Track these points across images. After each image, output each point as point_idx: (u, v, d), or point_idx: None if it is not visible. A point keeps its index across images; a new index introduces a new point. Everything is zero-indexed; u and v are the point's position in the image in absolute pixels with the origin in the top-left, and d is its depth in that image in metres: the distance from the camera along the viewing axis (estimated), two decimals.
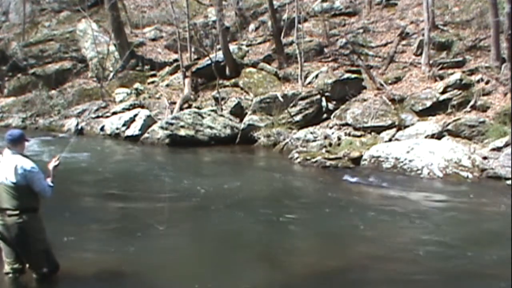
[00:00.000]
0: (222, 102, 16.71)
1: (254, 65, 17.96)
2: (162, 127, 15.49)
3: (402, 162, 11.67)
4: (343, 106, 15.40)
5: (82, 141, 16.14)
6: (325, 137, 14.20)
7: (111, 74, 19.96)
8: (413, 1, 18.61)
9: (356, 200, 9.56)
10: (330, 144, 13.63)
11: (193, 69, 18.64)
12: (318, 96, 15.86)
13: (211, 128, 15.51)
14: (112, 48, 20.25)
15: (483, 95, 13.93)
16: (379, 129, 14.16)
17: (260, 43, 19.57)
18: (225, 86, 17.33)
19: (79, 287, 5.63)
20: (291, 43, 17.88)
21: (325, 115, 15.66)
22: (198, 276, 5.89)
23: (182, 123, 15.41)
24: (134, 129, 16.05)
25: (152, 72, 19.91)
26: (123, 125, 16.39)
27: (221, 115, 16.04)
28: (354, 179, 11.05)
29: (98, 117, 17.98)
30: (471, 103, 13.88)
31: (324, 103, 15.86)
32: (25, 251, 5.19)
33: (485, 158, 11.61)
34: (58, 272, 5.38)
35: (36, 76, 20.93)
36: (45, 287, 5.34)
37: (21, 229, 5.09)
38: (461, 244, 7.15)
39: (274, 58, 18.22)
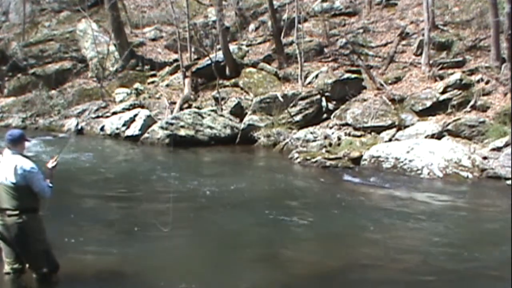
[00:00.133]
0: (222, 102, 16.71)
1: (254, 65, 17.96)
2: (162, 127, 15.49)
3: (402, 162, 11.67)
4: (343, 106, 15.40)
5: (82, 141, 16.14)
6: (325, 137, 14.20)
7: (112, 72, 19.95)
8: (413, 1, 18.61)
9: (356, 200, 9.56)
10: (330, 144, 13.63)
11: (193, 69, 18.63)
12: (318, 96, 15.86)
13: (211, 128, 15.51)
14: (112, 48, 20.24)
15: (483, 95, 13.94)
16: (379, 129, 14.17)
17: (260, 43, 19.57)
18: (225, 86, 17.33)
19: (79, 287, 5.63)
20: (291, 43, 17.88)
21: (325, 115, 15.67)
22: (199, 276, 5.90)
23: (182, 123, 15.40)
24: (134, 129, 16.05)
25: (152, 72, 19.90)
26: (123, 125, 16.39)
27: (221, 115, 16.04)
28: (354, 179, 11.06)
29: (98, 117, 17.97)
30: (471, 103, 13.89)
31: (324, 103, 15.86)
32: (25, 251, 5.19)
33: (485, 158, 11.62)
34: (58, 272, 5.37)
35: (36, 76, 20.91)
36: (45, 287, 5.33)
37: (20, 229, 5.08)
38: (461, 244, 7.15)
39: (274, 58, 18.21)
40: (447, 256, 6.69)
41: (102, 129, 17.07)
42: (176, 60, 19.51)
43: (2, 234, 5.15)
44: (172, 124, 15.43)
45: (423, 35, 16.01)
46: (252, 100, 16.26)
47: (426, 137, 13.09)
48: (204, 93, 17.97)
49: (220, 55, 18.21)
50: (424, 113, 14.21)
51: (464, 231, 7.78)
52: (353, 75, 16.13)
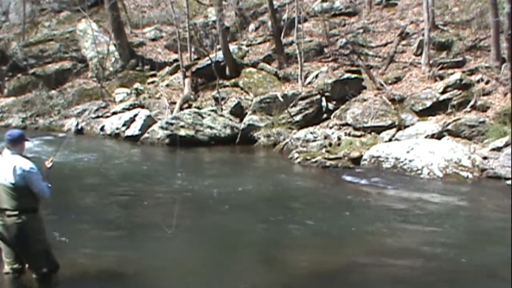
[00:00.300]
0: (222, 102, 16.71)
1: (254, 65, 17.95)
2: (162, 127, 15.49)
3: (402, 162, 11.67)
4: (343, 106, 15.40)
5: (82, 141, 16.17)
6: (325, 137, 14.20)
7: (112, 72, 19.95)
8: (413, 1, 18.61)
9: (356, 200, 9.55)
10: (330, 144, 13.63)
11: (193, 69, 18.63)
12: (318, 96, 15.86)
13: (211, 128, 15.51)
14: (112, 48, 20.24)
15: (483, 95, 13.94)
16: (379, 129, 14.17)
17: (260, 43, 19.57)
18: (225, 86, 17.33)
19: (79, 287, 5.63)
20: (291, 43, 17.88)
21: (325, 115, 15.66)
22: (199, 276, 5.90)
23: (182, 123, 15.40)
24: (134, 129, 16.05)
25: (152, 72, 19.91)
26: (123, 125, 16.39)
27: (221, 115, 16.04)
28: (354, 179, 11.05)
29: (98, 117, 17.98)
30: (471, 103, 13.89)
31: (324, 103, 15.86)
32: (25, 251, 5.19)
33: (485, 158, 11.62)
34: (58, 272, 5.37)
35: (36, 76, 20.92)
36: (45, 287, 5.33)
37: (20, 229, 5.08)
38: (461, 244, 7.16)
39: (274, 58, 18.21)
40: (447, 256, 6.69)
41: (102, 129, 17.08)
42: (176, 60, 19.52)
43: (2, 234, 5.15)
44: (172, 124, 15.44)
45: (423, 35, 16.01)
46: (252, 100, 16.26)
47: (426, 137, 13.09)
48: (204, 93, 17.97)
49: (220, 55, 18.21)
50: (424, 113, 14.21)
51: (464, 231, 7.78)
52: (353, 75, 16.13)
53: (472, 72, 14.82)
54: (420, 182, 10.89)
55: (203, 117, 15.72)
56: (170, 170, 12.25)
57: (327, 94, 15.90)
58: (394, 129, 13.99)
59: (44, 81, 20.56)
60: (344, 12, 19.45)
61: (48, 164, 5.50)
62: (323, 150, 13.18)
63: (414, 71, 15.93)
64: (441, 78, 14.98)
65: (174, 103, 17.38)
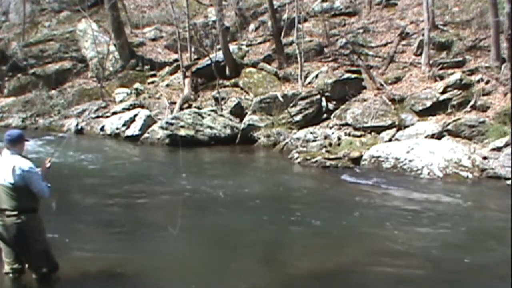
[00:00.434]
0: (222, 102, 16.71)
1: (254, 65, 17.95)
2: (162, 127, 15.49)
3: (402, 162, 11.67)
4: (343, 106, 15.39)
5: (82, 141, 16.17)
6: (325, 137, 14.20)
7: (112, 72, 19.96)
8: (413, 1, 18.61)
9: (356, 200, 9.55)
10: (330, 144, 13.63)
11: (193, 69, 18.63)
12: (318, 96, 15.86)
13: (211, 128, 15.50)
14: (112, 48, 20.24)
15: (483, 95, 13.93)
16: (379, 129, 14.16)
17: (260, 43, 19.57)
18: (225, 86, 17.33)
19: (78, 287, 5.63)
20: (291, 43, 17.88)
21: (325, 115, 15.66)
22: (199, 276, 5.90)
23: (182, 123, 15.40)
24: (134, 129, 16.05)
25: (152, 72, 19.91)
26: (123, 125, 16.40)
27: (221, 115, 16.04)
28: (354, 179, 11.05)
29: (98, 117, 17.98)
30: (471, 103, 13.89)
31: (324, 103, 15.86)
32: (25, 251, 5.19)
33: (485, 158, 11.61)
34: (57, 272, 5.37)
35: (36, 76, 20.92)
36: (45, 287, 5.33)
37: (20, 229, 5.08)
38: (461, 244, 7.16)
39: (274, 58, 18.21)
40: (447, 256, 6.69)
41: (102, 129, 17.08)
42: (176, 60, 19.51)
43: (1, 235, 5.15)
44: (172, 124, 15.43)
45: (423, 35, 16.00)
46: (252, 100, 16.26)
47: (426, 137, 13.09)
48: (204, 93, 17.97)
49: (220, 55, 18.21)
50: (424, 113, 14.21)
51: (464, 231, 7.78)
52: (353, 75, 16.12)
53: (472, 72, 14.81)
54: (420, 182, 10.89)
55: (203, 117, 15.72)
56: (170, 170, 12.24)
57: (327, 94, 15.89)
58: (394, 129, 13.99)
59: (44, 81, 20.56)
60: (344, 12, 19.45)
61: (47, 164, 5.50)
62: (323, 150, 13.18)
63: (414, 71, 15.93)
64: (441, 78, 14.98)
65: (174, 103, 17.37)
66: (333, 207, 9.04)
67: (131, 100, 18.07)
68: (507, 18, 13.10)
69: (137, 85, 18.92)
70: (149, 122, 16.19)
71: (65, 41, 21.76)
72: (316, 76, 16.62)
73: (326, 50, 17.93)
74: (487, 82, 14.27)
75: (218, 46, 18.61)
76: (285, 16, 19.15)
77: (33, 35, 23.13)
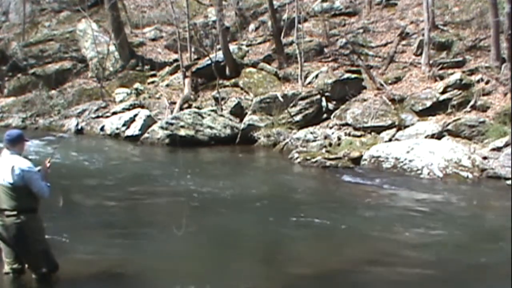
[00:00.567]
0: (222, 102, 16.71)
1: (254, 65, 17.94)
2: (162, 127, 15.49)
3: (402, 162, 11.67)
4: (343, 106, 15.39)
5: (82, 141, 16.19)
6: (325, 137, 14.19)
7: (112, 72, 19.96)
8: (413, 1, 18.60)
9: (356, 200, 9.56)
10: (330, 144, 13.63)
11: (193, 69, 18.62)
12: (318, 96, 15.85)
13: (211, 128, 15.50)
14: (112, 48, 20.24)
15: (483, 95, 13.93)
16: (379, 129, 14.16)
17: (260, 43, 19.56)
18: (225, 86, 17.32)
19: (78, 287, 5.63)
20: (291, 43, 17.87)
21: (325, 115, 15.65)
22: (199, 276, 5.90)
23: (182, 123, 15.40)
24: (134, 129, 16.05)
25: (152, 72, 19.90)
26: (123, 125, 16.39)
27: (221, 115, 16.03)
28: (354, 179, 11.04)
29: (98, 117, 17.98)
30: (471, 103, 13.88)
31: (324, 103, 15.85)
32: (24, 251, 5.19)
33: (485, 158, 11.61)
34: (57, 272, 5.37)
35: (36, 76, 20.91)
36: (44, 287, 5.33)
37: (19, 229, 5.08)
38: (461, 244, 7.15)
39: (274, 58, 18.20)
40: (447, 256, 6.68)
41: (102, 129, 17.08)
42: (176, 60, 19.51)
43: (1, 235, 5.15)
44: (172, 124, 15.43)
45: (423, 35, 16.00)
46: (252, 100, 16.25)
47: (426, 137, 13.08)
48: (204, 93, 17.96)
49: (220, 55, 18.20)
50: (424, 113, 14.20)
51: (464, 231, 7.77)
52: (353, 75, 16.12)
53: (472, 72, 14.81)
54: (420, 182, 10.89)
55: (203, 117, 15.72)
56: (170, 170, 12.25)
57: (327, 94, 15.89)
58: (394, 129, 13.98)
59: (44, 81, 20.55)
60: (344, 12, 19.44)
61: (47, 164, 5.50)
62: (323, 150, 13.18)
63: (414, 71, 15.92)
64: (441, 78, 14.97)
65: (174, 103, 17.37)
66: (333, 207, 9.03)
67: (131, 100, 18.07)
68: (507, 18, 13.10)
69: (137, 85, 18.92)
70: (149, 122, 16.19)
71: (65, 41, 21.74)
72: (316, 76, 16.61)
73: (326, 50, 17.92)
74: (487, 82, 14.27)
75: (218, 46, 18.60)
76: (285, 16, 19.14)
77: (33, 35, 23.12)
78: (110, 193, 9.78)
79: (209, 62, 18.01)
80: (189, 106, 17.10)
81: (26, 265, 5.32)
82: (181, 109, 16.76)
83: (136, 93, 18.48)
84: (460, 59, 15.51)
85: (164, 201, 9.50)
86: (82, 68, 21.05)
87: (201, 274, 5.99)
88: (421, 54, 16.06)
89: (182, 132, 15.20)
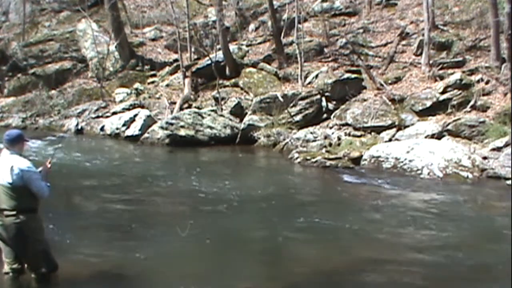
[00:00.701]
0: (222, 102, 16.71)
1: (254, 65, 17.94)
2: (162, 127, 15.49)
3: (402, 162, 11.67)
4: (343, 106, 15.39)
5: (82, 141, 16.18)
6: (325, 137, 14.19)
7: (112, 72, 19.97)
8: (413, 1, 18.60)
9: (356, 200, 9.56)
10: (330, 144, 13.63)
11: (193, 69, 18.62)
12: (318, 96, 15.85)
13: (211, 128, 15.50)
14: (112, 48, 20.24)
15: (483, 95, 13.93)
16: (379, 129, 14.16)
17: (260, 43, 19.56)
18: (225, 86, 17.32)
19: (78, 287, 5.63)
20: (291, 43, 17.87)
21: (325, 115, 15.65)
22: (199, 276, 5.90)
23: (182, 123, 15.40)
24: (134, 129, 16.05)
25: (152, 72, 19.90)
26: (123, 125, 16.39)
27: (221, 115, 16.03)
28: (354, 179, 11.05)
29: (98, 117, 17.98)
30: (471, 103, 13.88)
31: (324, 103, 15.85)
32: (24, 251, 5.19)
33: (485, 158, 11.61)
34: (57, 273, 5.37)
35: (36, 76, 20.91)
36: (44, 287, 5.33)
37: (19, 229, 5.08)
38: (461, 244, 7.15)
39: (274, 58, 18.20)
40: (447, 256, 6.68)
41: (102, 129, 17.09)
42: (176, 60, 19.51)
43: (1, 235, 5.15)
44: (172, 124, 15.43)
45: (423, 35, 16.00)
46: (252, 100, 16.25)
47: (426, 137, 13.08)
48: (204, 93, 17.96)
49: (220, 55, 18.20)
50: (424, 113, 14.20)
51: (464, 231, 7.77)
52: (353, 75, 16.12)
53: (472, 72, 14.81)
54: (420, 182, 10.88)
55: (203, 117, 15.72)
56: (170, 171, 12.25)
57: (327, 94, 15.89)
58: (394, 129, 13.98)
59: (44, 81, 20.55)
60: (344, 12, 19.44)
61: (48, 164, 5.51)
62: (323, 150, 13.18)
63: (414, 71, 15.92)
64: (441, 78, 14.97)
65: (174, 103, 17.37)
66: (334, 207, 9.03)
67: (131, 100, 18.07)
68: (507, 18, 13.10)
69: (137, 85, 18.92)
70: (149, 122, 16.19)
71: (65, 41, 21.74)
72: (316, 76, 16.61)
73: (326, 50, 17.92)
74: (487, 82, 14.27)
75: (218, 46, 18.60)
76: (285, 16, 19.14)
77: (33, 35, 23.11)
78: (110, 193, 9.78)
79: (209, 62, 18.01)
80: (189, 106, 17.10)
81: (26, 265, 5.32)
82: (181, 109, 16.76)
83: (136, 93, 18.48)
84: (460, 59, 15.51)
85: (164, 201, 9.49)
86: (82, 68, 21.05)
87: (202, 274, 5.99)
88: (421, 54, 16.06)
89: (182, 132, 15.21)
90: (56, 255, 5.40)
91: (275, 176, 11.78)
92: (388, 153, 12.05)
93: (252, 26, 20.69)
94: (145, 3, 24.57)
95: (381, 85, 15.52)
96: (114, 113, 17.53)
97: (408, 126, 13.91)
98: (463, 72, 14.80)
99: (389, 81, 15.72)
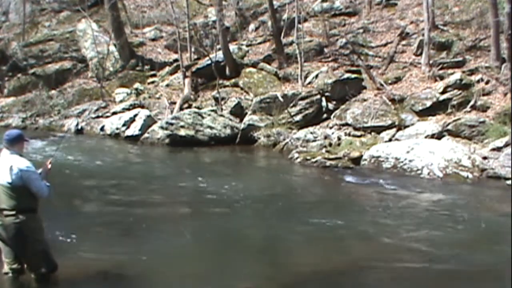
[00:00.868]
0: (222, 102, 16.71)
1: (254, 65, 17.94)
2: (162, 127, 15.49)
3: (402, 162, 11.67)
4: (343, 106, 15.39)
5: (82, 141, 16.17)
6: (325, 137, 14.19)
7: (112, 72, 19.97)
8: (413, 1, 18.60)
9: (356, 200, 9.56)
10: (330, 144, 13.63)
11: (193, 69, 18.62)
12: (318, 96, 15.85)
13: (211, 128, 15.50)
14: (112, 48, 20.24)
15: (483, 95, 13.93)
16: (379, 129, 14.16)
17: (260, 43, 19.56)
18: (225, 86, 17.32)
19: (77, 287, 5.62)
20: (291, 43, 17.87)
21: (325, 115, 15.65)
22: (199, 276, 5.90)
23: (182, 123, 15.40)
24: (134, 129, 16.05)
25: (152, 72, 19.90)
26: (123, 125, 16.39)
27: (221, 115, 16.03)
28: (354, 179, 11.05)
29: (98, 117, 17.98)
30: (471, 103, 13.88)
31: (324, 103, 15.85)
32: (23, 251, 5.18)
33: (485, 158, 11.61)
34: (56, 273, 5.36)
35: (36, 76, 20.91)
36: (44, 287, 5.33)
37: (18, 229, 5.07)
38: (461, 244, 7.15)
39: (274, 58, 18.20)
40: (447, 256, 6.69)
41: (102, 129, 17.08)
42: (176, 60, 19.50)
43: (0, 235, 5.14)
44: (172, 124, 15.43)
45: (423, 35, 16.00)
46: (252, 100, 16.25)
47: (426, 137, 13.08)
48: (204, 93, 17.96)
49: (220, 55, 18.20)
50: (424, 113, 14.20)
51: (463, 231, 7.77)
52: (353, 75, 16.11)
53: (472, 72, 14.81)
54: (420, 182, 10.88)
55: (203, 117, 15.71)
56: (170, 171, 12.25)
57: (327, 94, 15.88)
58: (394, 129, 13.98)
59: (44, 81, 20.55)
60: (344, 12, 19.44)
61: (48, 165, 5.50)
62: (323, 150, 13.18)
63: (414, 71, 15.92)
64: (441, 78, 14.97)
65: (174, 103, 17.37)
66: (334, 207, 9.03)
67: (131, 100, 18.07)
68: (507, 18, 13.10)
69: (137, 85, 18.92)
70: (149, 122, 16.19)
71: (65, 41, 21.74)
72: (316, 76, 16.61)
73: (326, 50, 17.92)
74: (487, 82, 14.27)
75: (218, 46, 18.60)
76: (285, 16, 19.14)
77: (33, 35, 23.11)
78: (110, 193, 9.78)
79: (209, 62, 18.01)
80: (189, 106, 17.10)
81: (25, 265, 5.31)
82: (181, 109, 16.76)
83: (136, 93, 18.48)
84: (460, 59, 15.51)
85: (164, 201, 9.48)
86: (82, 68, 21.05)
87: (202, 274, 5.99)
88: (421, 54, 16.06)
89: (182, 132, 15.21)
90: (56, 255, 5.39)
91: (275, 176, 11.78)
92: (388, 153, 12.05)
93: (252, 26, 20.69)
94: (145, 3, 24.58)
95: (381, 85, 15.52)
96: (114, 113, 17.53)
97: (408, 126, 13.91)
98: (463, 72, 14.80)
99: (389, 81, 15.72)
